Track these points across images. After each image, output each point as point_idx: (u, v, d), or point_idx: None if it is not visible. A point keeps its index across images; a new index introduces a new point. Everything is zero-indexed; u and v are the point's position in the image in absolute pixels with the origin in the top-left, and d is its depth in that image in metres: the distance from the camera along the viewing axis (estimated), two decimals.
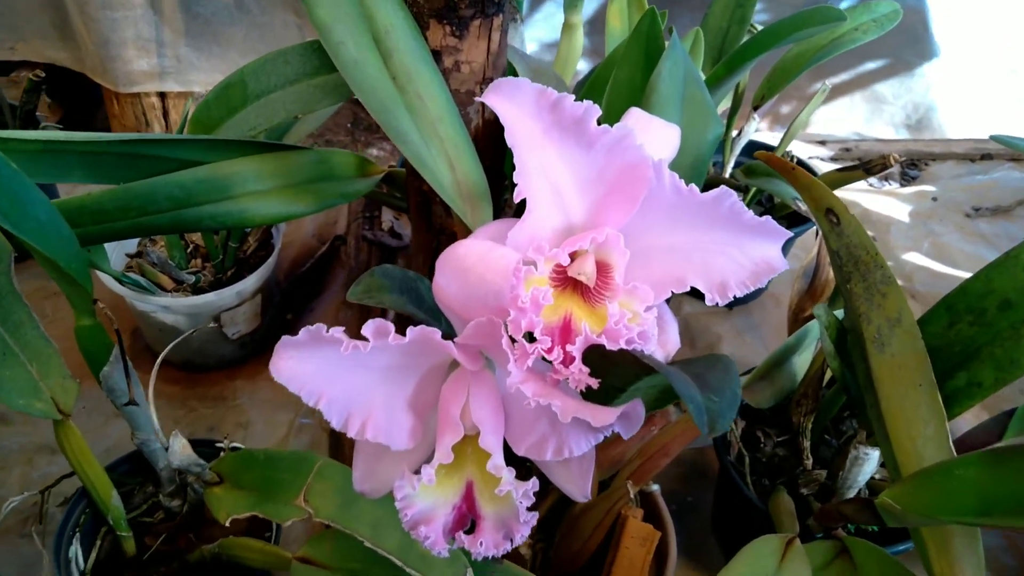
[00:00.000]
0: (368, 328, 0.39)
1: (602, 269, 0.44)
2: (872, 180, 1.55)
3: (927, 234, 1.38)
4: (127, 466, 0.76)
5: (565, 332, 0.40)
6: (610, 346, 0.39)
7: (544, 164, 0.44)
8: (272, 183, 0.68)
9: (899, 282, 1.28)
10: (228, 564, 0.69)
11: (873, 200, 1.47)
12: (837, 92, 1.65)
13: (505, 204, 0.80)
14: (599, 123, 0.43)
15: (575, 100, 0.43)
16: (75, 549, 0.70)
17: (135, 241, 1.02)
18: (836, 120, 1.67)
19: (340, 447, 0.92)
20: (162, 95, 1.40)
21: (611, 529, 0.70)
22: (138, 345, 1.03)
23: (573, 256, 0.43)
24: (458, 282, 0.41)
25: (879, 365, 0.60)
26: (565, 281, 0.44)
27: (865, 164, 0.90)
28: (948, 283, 1.27)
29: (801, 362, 0.80)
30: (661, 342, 0.43)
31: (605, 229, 0.43)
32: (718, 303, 0.43)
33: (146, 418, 0.69)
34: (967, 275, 0.62)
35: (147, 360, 1.02)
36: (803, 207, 0.93)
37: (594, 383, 0.39)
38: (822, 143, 1.60)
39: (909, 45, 1.60)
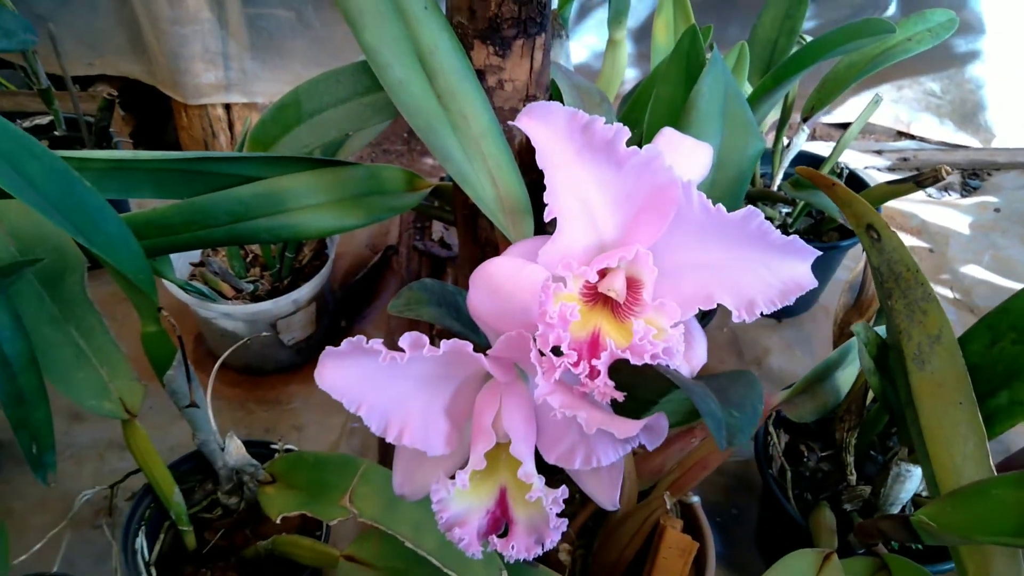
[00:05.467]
0: (404, 340, 0.41)
1: (632, 286, 0.46)
2: (931, 191, 1.51)
3: (988, 246, 1.35)
4: (188, 464, 0.80)
5: (592, 347, 0.42)
6: (634, 361, 0.40)
7: (575, 184, 0.46)
8: (324, 197, 0.70)
9: (957, 296, 1.26)
10: (280, 560, 0.73)
11: (932, 211, 1.44)
12: (877, 80, 1.61)
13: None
14: (638, 144, 0.45)
15: (605, 122, 0.45)
16: (141, 541, 0.75)
17: (198, 252, 1.07)
18: (877, 112, 1.63)
19: (389, 451, 0.95)
20: (227, 107, 1.47)
21: (650, 539, 0.71)
22: (200, 350, 1.08)
23: (603, 273, 0.44)
24: (490, 298, 0.43)
25: (919, 382, 0.59)
26: (596, 297, 0.45)
27: (916, 177, 0.89)
28: None
29: (845, 377, 0.79)
30: (687, 357, 0.44)
31: (634, 247, 0.45)
32: (745, 320, 0.44)
33: (206, 420, 0.73)
34: None
35: (209, 364, 1.07)
36: None
37: (619, 396, 0.41)
38: (878, 152, 1.57)
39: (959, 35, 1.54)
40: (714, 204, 0.44)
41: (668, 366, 0.41)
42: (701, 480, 0.71)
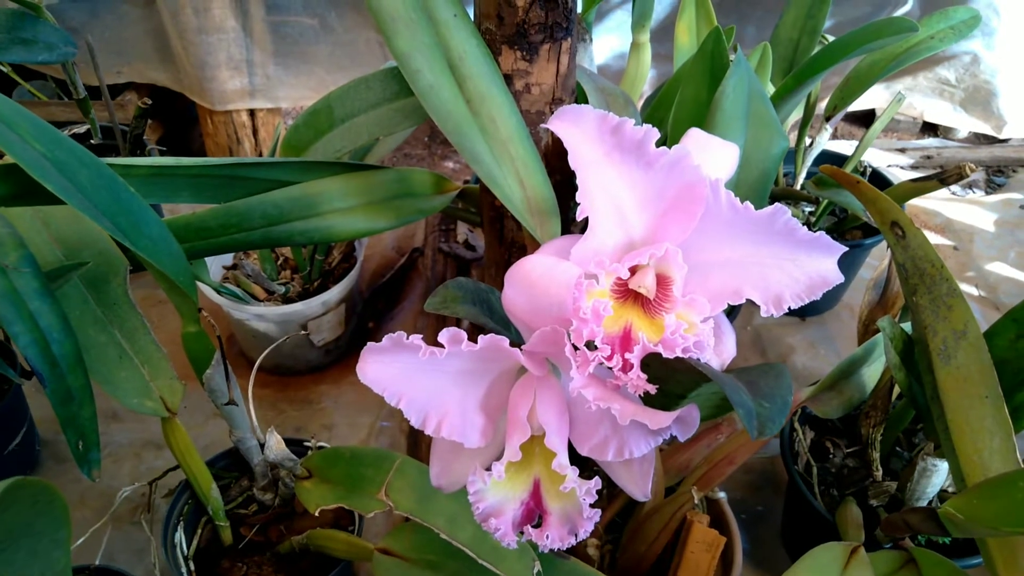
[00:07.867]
0: (444, 336, 0.43)
1: (662, 282, 0.47)
2: (955, 188, 1.51)
3: (1014, 243, 1.34)
4: (224, 461, 0.82)
5: (625, 341, 0.43)
6: (666, 354, 0.41)
7: (606, 184, 0.47)
8: (356, 200, 0.72)
9: (983, 294, 1.26)
10: (315, 554, 0.74)
11: (956, 209, 1.44)
12: (896, 73, 1.60)
13: (573, 219, 0.83)
14: (663, 143, 0.46)
15: (634, 124, 0.46)
16: (179, 536, 0.77)
17: (231, 255, 1.09)
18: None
19: (417, 448, 0.97)
20: (252, 114, 1.50)
21: (677, 534, 0.72)
22: (233, 351, 1.11)
23: (634, 270, 0.45)
24: (525, 295, 0.45)
25: (945, 377, 0.60)
26: (627, 293, 0.46)
27: (940, 174, 0.89)
28: None
29: (871, 373, 0.80)
30: (717, 351, 0.46)
31: (664, 244, 0.46)
32: (773, 314, 0.45)
33: (243, 417, 0.75)
34: None
35: (241, 365, 1.09)
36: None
37: (651, 388, 0.42)
38: (902, 151, 1.57)
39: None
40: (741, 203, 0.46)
41: (699, 359, 0.42)
42: (727, 476, 0.72)
